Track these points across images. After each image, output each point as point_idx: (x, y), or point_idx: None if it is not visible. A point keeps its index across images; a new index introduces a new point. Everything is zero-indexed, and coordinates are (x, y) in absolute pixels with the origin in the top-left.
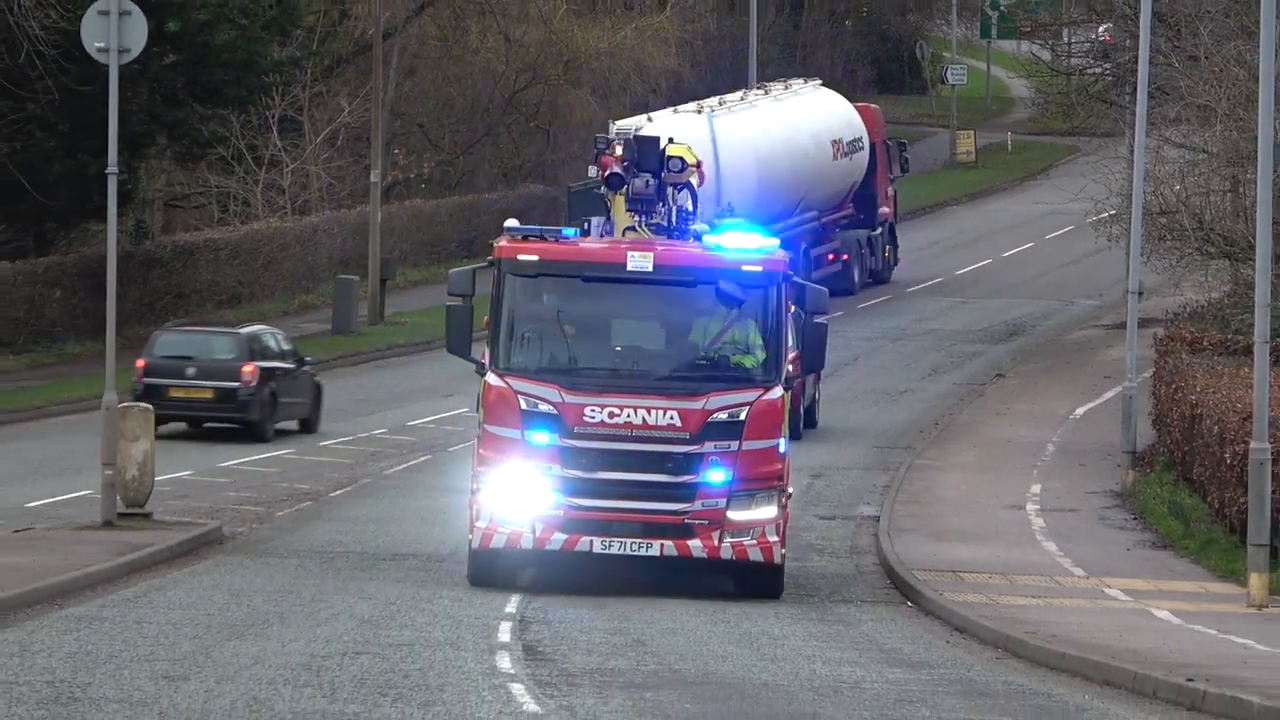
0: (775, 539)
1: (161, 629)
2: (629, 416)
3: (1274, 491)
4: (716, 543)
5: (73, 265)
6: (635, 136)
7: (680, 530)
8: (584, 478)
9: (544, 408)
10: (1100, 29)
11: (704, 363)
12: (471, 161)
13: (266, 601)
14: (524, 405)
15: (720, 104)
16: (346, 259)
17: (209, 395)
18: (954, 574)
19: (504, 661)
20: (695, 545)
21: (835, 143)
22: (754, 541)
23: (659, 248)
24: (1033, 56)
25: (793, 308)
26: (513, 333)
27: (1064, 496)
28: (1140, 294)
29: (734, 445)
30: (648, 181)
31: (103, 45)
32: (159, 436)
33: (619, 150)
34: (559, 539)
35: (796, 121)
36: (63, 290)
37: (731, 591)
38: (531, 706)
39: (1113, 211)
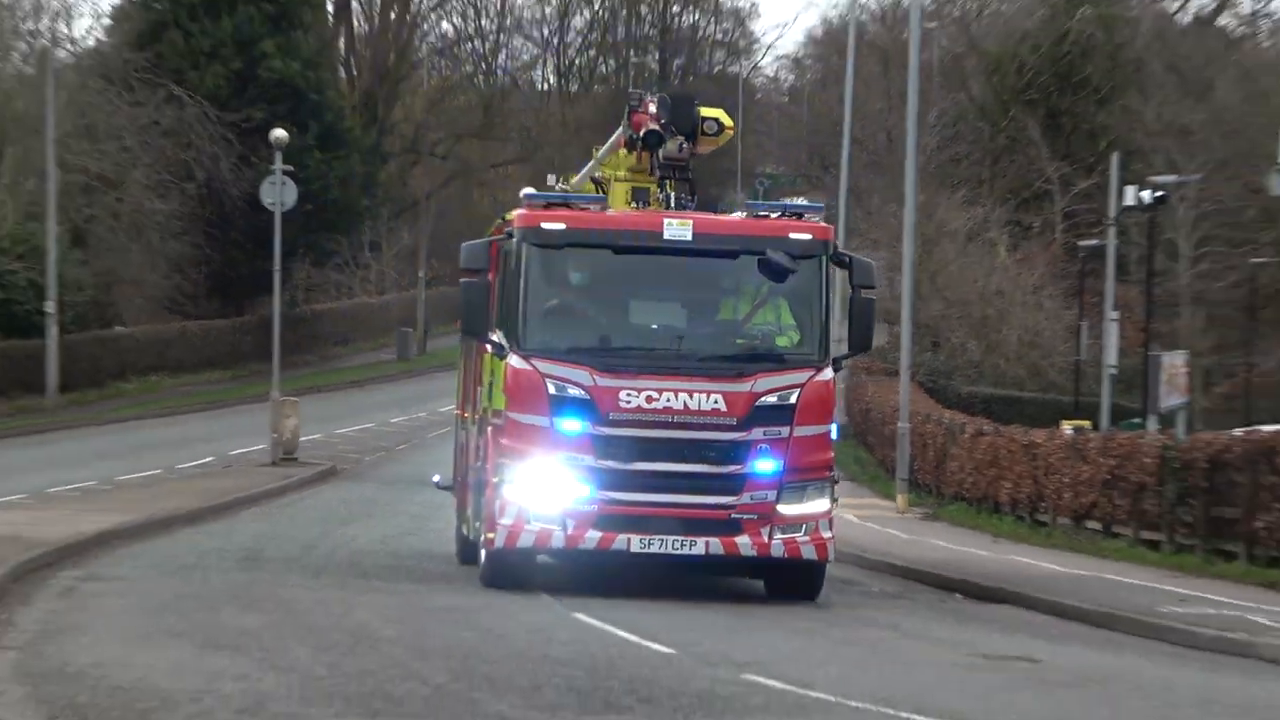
0: (829, 535)
1: (302, 521)
2: (668, 401)
3: (912, 451)
4: (766, 539)
5: (255, 322)
6: (669, 94)
7: (727, 526)
8: (620, 469)
9: (574, 392)
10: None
11: (750, 341)
12: None
13: (360, 506)
14: (552, 390)
15: None
16: (405, 319)
17: None
18: None
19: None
20: (743, 543)
21: None
22: (808, 538)
23: (697, 215)
24: None
25: None
26: (537, 310)
27: None
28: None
29: (784, 432)
30: (681, 145)
31: (272, 201)
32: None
33: (652, 108)
34: (594, 537)
35: None
36: (250, 336)
37: (760, 593)
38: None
39: None
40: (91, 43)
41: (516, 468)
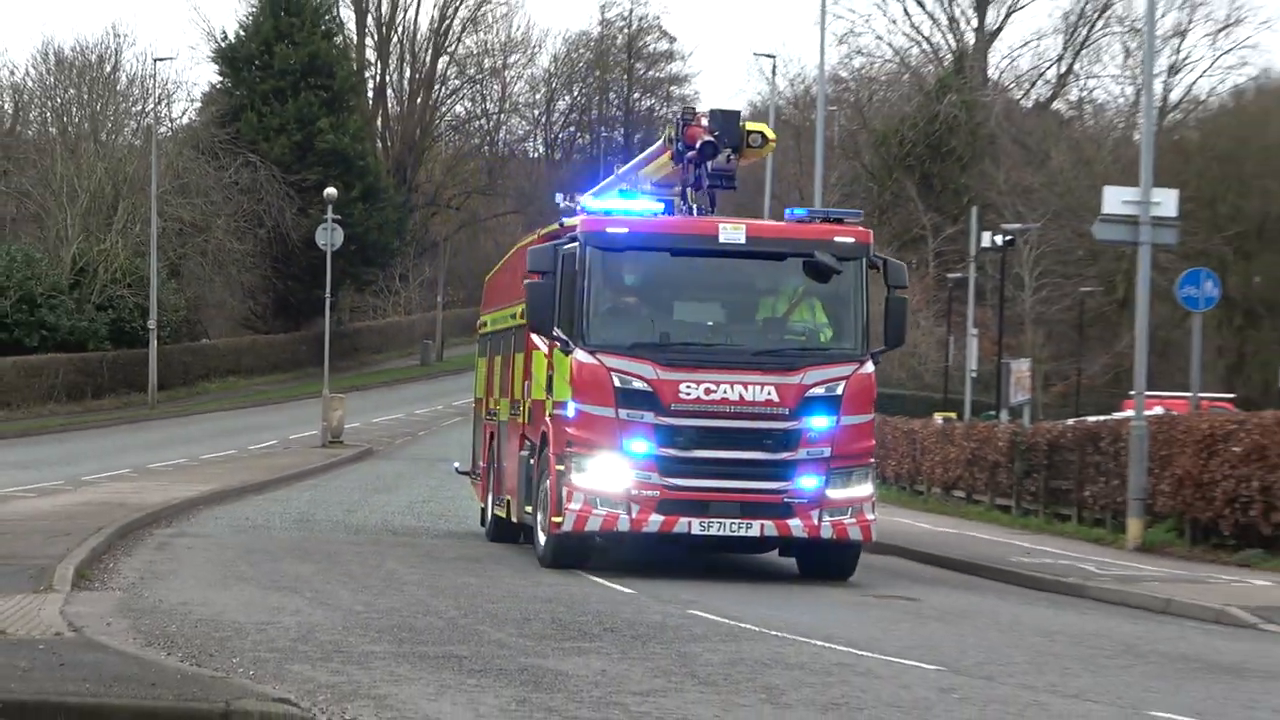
0: (872, 517)
1: (345, 490)
2: (725, 392)
3: None
4: (816, 522)
5: (310, 336)
6: (717, 110)
7: (780, 510)
8: (681, 456)
9: (638, 385)
10: None
11: (798, 337)
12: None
13: (391, 479)
14: (617, 383)
15: None
16: (427, 334)
17: None
18: None
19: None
20: (795, 525)
21: None
22: (854, 520)
23: (749, 221)
24: None
25: None
26: (601, 309)
27: None
28: None
29: (832, 421)
30: (729, 156)
31: (324, 243)
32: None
33: (705, 121)
34: (657, 520)
35: None
36: (306, 346)
37: (792, 571)
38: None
39: None
40: (186, 120)
41: (584, 456)
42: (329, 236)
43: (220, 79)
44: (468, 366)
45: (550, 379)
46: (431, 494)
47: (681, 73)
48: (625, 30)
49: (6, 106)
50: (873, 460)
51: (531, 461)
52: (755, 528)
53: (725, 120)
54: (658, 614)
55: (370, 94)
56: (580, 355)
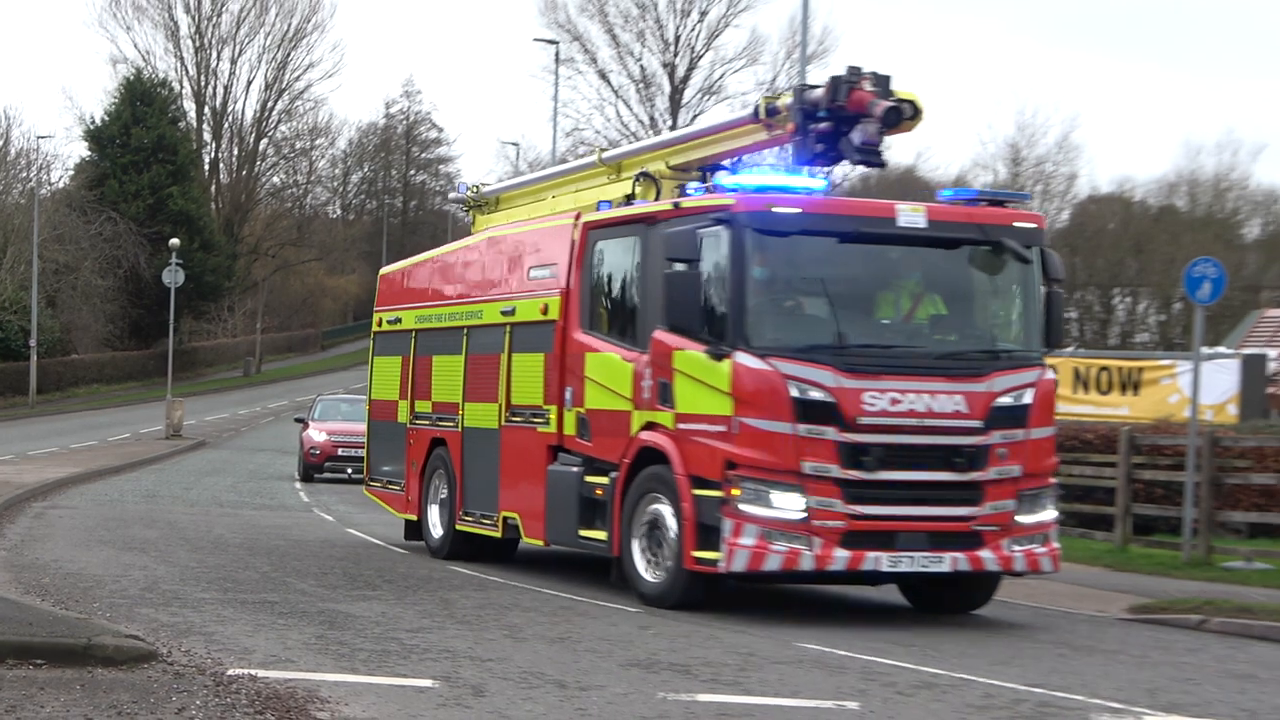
0: (1058, 545)
1: (183, 472)
2: (912, 403)
3: None
4: (1008, 552)
5: (157, 353)
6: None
7: (970, 540)
8: (866, 479)
9: (817, 395)
10: None
11: (983, 336)
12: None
13: (220, 464)
14: (795, 393)
15: None
16: (249, 352)
17: None
18: None
19: None
20: (988, 557)
21: None
22: (1045, 549)
23: (926, 203)
24: None
25: None
26: (766, 304)
27: None
28: None
29: (1020, 434)
30: (880, 129)
31: (169, 281)
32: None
33: (867, 85)
34: (843, 556)
35: None
36: (154, 361)
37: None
38: None
39: None
40: (62, 185)
41: (757, 482)
42: (173, 276)
43: (89, 153)
44: (282, 377)
45: (661, 386)
46: (251, 476)
47: (447, 154)
48: (404, 121)
49: None
50: (1055, 480)
51: (587, 479)
52: (946, 561)
53: (884, 85)
54: (425, 570)
55: (206, 166)
56: (745, 360)
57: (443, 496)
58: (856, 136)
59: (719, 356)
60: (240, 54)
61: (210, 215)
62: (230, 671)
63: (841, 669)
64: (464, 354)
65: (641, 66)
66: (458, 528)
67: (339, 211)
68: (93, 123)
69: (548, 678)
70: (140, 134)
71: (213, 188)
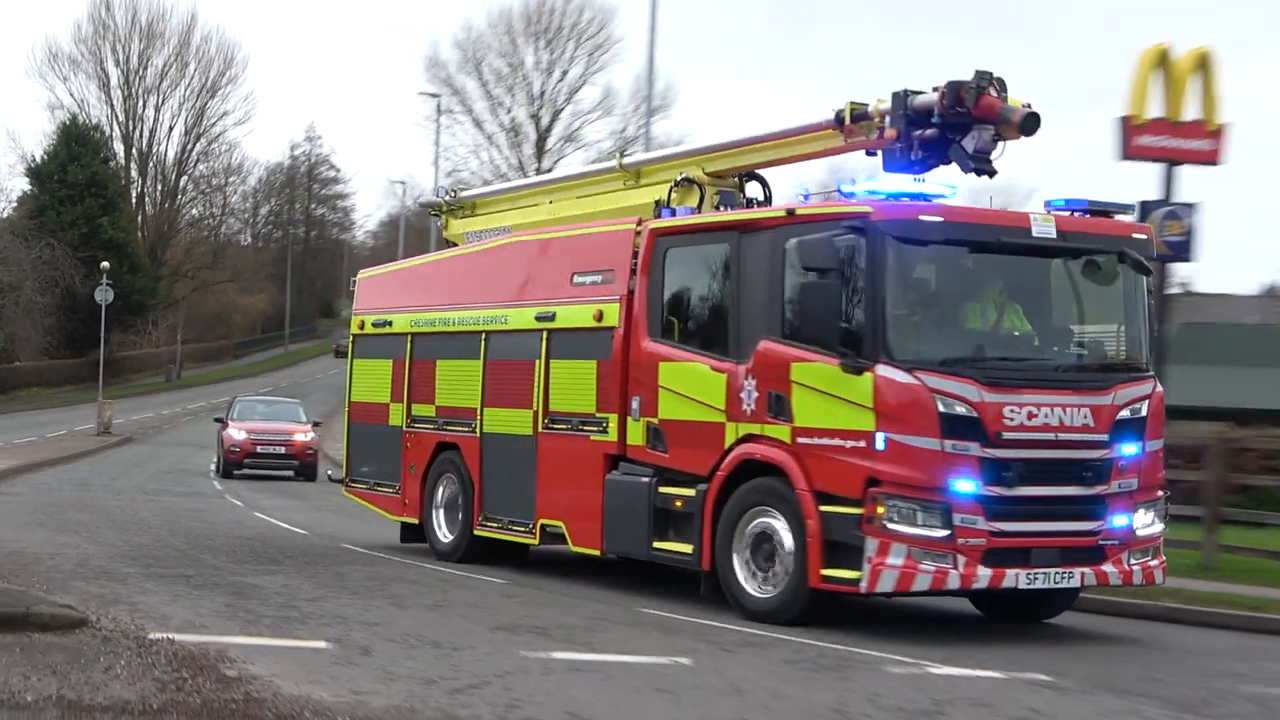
0: (1164, 557)
1: (112, 464)
2: (1047, 417)
3: None
4: (1127, 566)
5: (90, 361)
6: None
7: (1095, 554)
8: (1006, 495)
9: (961, 410)
10: None
11: (1102, 349)
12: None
13: (144, 457)
14: (942, 408)
15: None
16: (170, 360)
17: None
18: None
19: None
20: (1111, 572)
21: None
22: (1157, 562)
23: (1055, 213)
24: None
25: None
26: (907, 316)
27: None
28: None
29: (1138, 447)
30: (995, 135)
31: (100, 299)
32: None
33: (994, 91)
34: (985, 575)
35: None
36: (88, 368)
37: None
38: None
39: None
40: (5, 215)
41: (905, 500)
42: (104, 295)
43: (30, 187)
44: (199, 383)
45: (772, 398)
46: (172, 467)
47: (344, 191)
48: (306, 161)
49: None
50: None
51: (662, 489)
52: (1075, 577)
53: (1006, 91)
54: (321, 547)
55: (134, 200)
56: (890, 373)
57: (452, 500)
58: (969, 143)
59: (858, 370)
60: (163, 103)
61: (137, 242)
62: (151, 636)
63: (677, 631)
64: (482, 358)
65: (512, 117)
66: (476, 533)
67: (249, 239)
68: (33, 161)
69: (426, 639)
70: (75, 171)
71: (139, 218)
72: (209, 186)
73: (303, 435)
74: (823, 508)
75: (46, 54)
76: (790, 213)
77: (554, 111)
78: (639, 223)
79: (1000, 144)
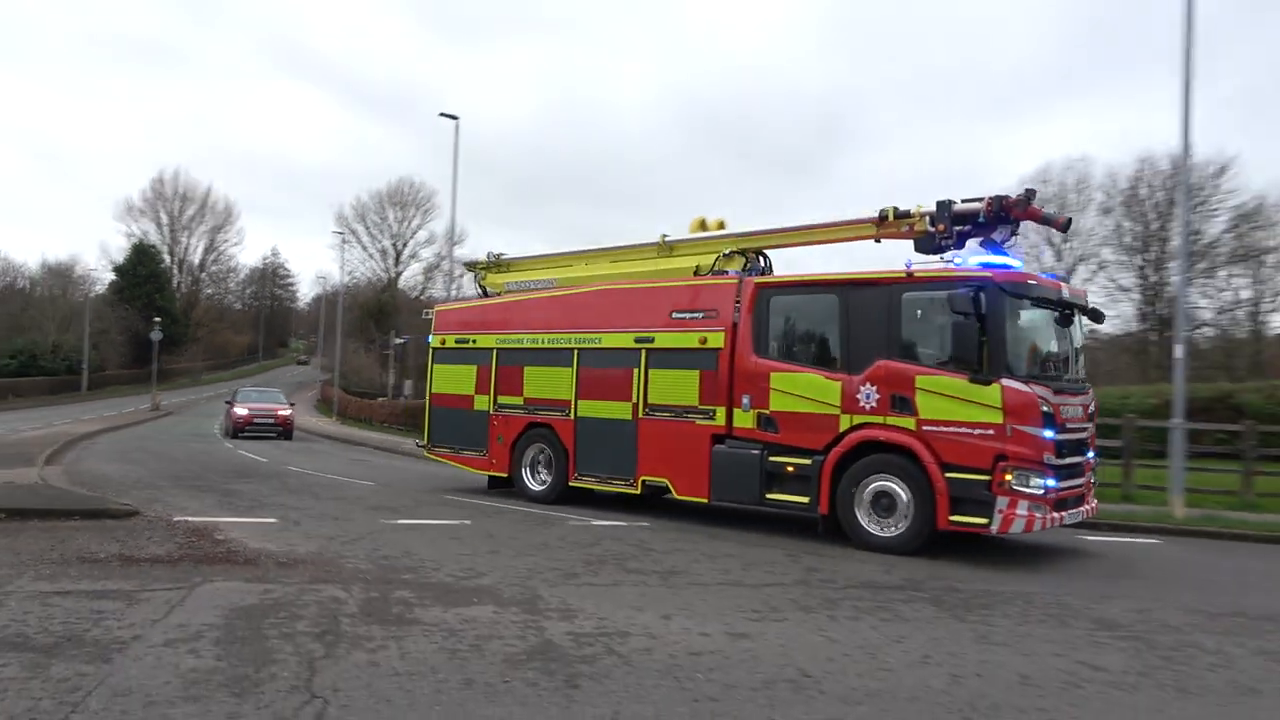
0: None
1: (158, 428)
2: (1072, 411)
3: None
4: (1092, 504)
5: (147, 371)
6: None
7: (1081, 499)
8: (1061, 464)
9: (1048, 409)
10: None
11: (1081, 365)
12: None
13: (178, 424)
14: (1044, 408)
15: None
16: (199, 373)
17: None
18: None
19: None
20: (1089, 507)
21: None
22: (1094, 502)
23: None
24: None
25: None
26: (1018, 347)
27: None
28: None
29: (1092, 428)
30: (1012, 230)
31: (155, 337)
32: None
33: (1034, 201)
34: (1055, 517)
35: None
36: (145, 375)
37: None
38: None
39: None
40: (102, 293)
41: (1028, 471)
42: (157, 335)
43: (115, 277)
44: (213, 383)
45: (896, 399)
46: (193, 430)
47: (292, 282)
48: (271, 264)
49: None
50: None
51: (772, 458)
52: (1082, 513)
53: (1033, 199)
54: (275, 468)
55: (175, 285)
56: (1013, 384)
57: (543, 461)
58: (999, 237)
59: (986, 382)
60: (192, 235)
61: (175, 307)
62: (175, 519)
63: (462, 505)
64: (574, 366)
65: (381, 245)
66: (570, 484)
67: (239, 306)
68: (116, 265)
69: (329, 515)
70: (141, 269)
71: (177, 295)
72: (217, 278)
73: (284, 411)
74: (948, 474)
75: (125, 206)
76: (909, 275)
77: (404, 241)
78: (740, 279)
79: (1015, 236)
